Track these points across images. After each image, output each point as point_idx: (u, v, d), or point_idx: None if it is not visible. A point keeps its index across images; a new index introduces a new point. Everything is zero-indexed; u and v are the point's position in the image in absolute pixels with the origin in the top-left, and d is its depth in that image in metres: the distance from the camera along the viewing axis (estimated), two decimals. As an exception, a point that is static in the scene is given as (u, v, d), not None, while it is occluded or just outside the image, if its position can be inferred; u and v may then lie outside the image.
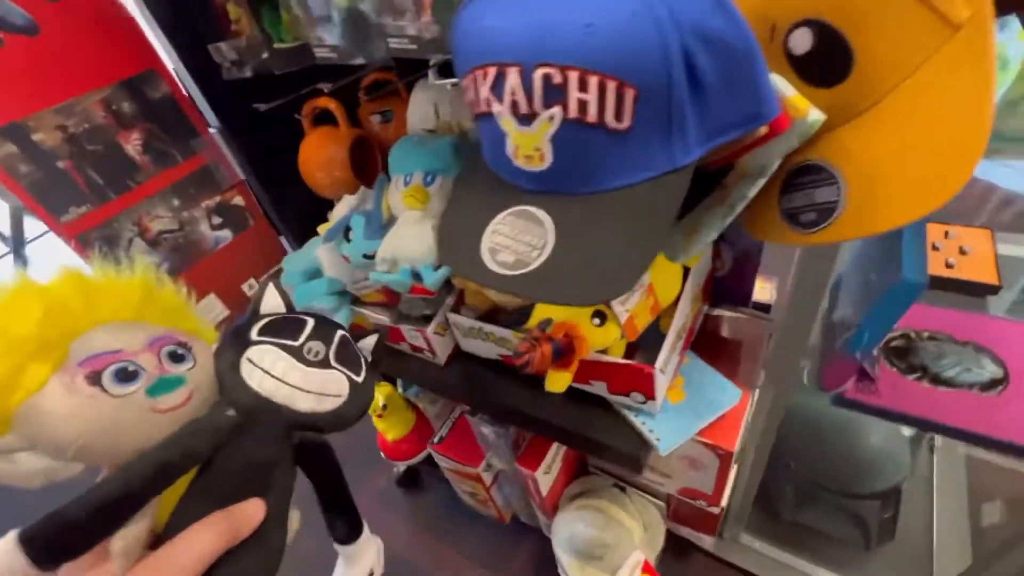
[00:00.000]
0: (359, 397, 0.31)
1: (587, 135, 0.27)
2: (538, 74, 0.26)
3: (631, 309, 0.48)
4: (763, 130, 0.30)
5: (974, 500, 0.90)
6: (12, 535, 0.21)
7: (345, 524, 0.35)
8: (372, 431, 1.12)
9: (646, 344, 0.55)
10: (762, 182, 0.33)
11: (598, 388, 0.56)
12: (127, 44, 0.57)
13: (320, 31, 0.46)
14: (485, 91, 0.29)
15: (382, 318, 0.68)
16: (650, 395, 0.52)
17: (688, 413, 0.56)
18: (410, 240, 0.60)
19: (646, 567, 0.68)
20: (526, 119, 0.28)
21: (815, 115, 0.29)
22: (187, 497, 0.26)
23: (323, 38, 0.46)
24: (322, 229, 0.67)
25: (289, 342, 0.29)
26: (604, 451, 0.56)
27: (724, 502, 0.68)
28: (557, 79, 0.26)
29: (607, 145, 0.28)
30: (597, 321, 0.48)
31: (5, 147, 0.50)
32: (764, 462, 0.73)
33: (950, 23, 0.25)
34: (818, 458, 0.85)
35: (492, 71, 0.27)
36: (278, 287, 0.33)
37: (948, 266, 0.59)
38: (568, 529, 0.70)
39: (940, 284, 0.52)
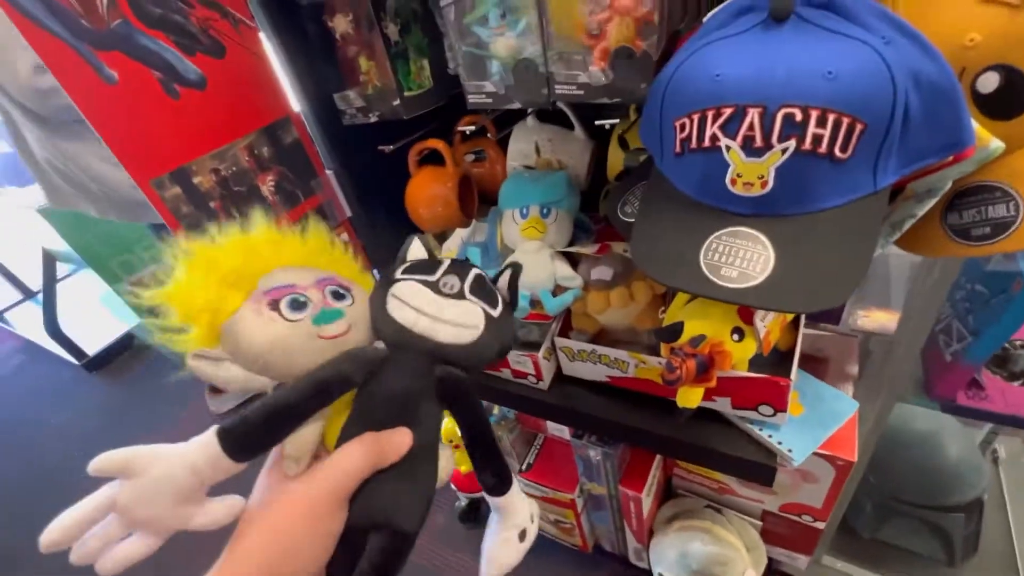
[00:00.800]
0: (496, 330, 0.33)
1: (812, 164, 0.32)
2: (781, 113, 0.30)
3: (768, 324, 0.52)
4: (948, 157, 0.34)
5: (1048, 511, 0.92)
6: (213, 429, 0.27)
7: (493, 472, 0.35)
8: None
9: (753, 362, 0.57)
10: (931, 202, 0.37)
11: (720, 404, 0.59)
12: (270, 94, 0.62)
13: (478, 79, 0.51)
14: (714, 128, 0.33)
15: (490, 345, 0.70)
16: (781, 407, 0.55)
17: (812, 424, 0.58)
18: (530, 268, 0.64)
19: (758, 586, 0.69)
20: (757, 151, 0.32)
21: (996, 144, 0.33)
22: (347, 423, 0.30)
23: (483, 87, 0.51)
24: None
25: (427, 277, 0.33)
26: (733, 465, 0.58)
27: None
28: (798, 117, 0.30)
29: (826, 172, 0.32)
30: (736, 337, 0.51)
31: (173, 189, 0.54)
32: (859, 477, 0.75)
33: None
34: (897, 472, 0.87)
35: (728, 111, 0.32)
36: (423, 241, 0.36)
37: None
38: (678, 549, 0.71)
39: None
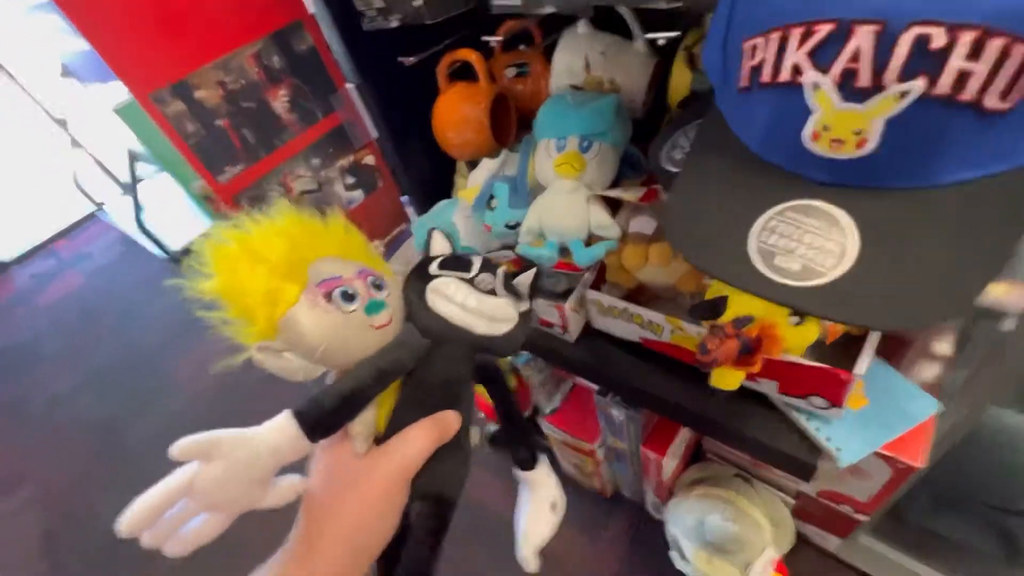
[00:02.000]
0: (523, 324, 0.36)
1: (946, 117, 0.21)
2: (908, 35, 0.20)
3: (839, 309, 0.42)
4: None
5: None
6: (288, 411, 0.29)
7: (524, 446, 0.38)
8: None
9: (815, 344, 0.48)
10: None
11: (765, 386, 0.51)
12: (278, -8, 0.54)
13: (505, -25, 0.40)
14: (798, 54, 0.23)
15: (515, 290, 0.65)
16: (837, 402, 0.47)
17: (874, 422, 0.49)
18: (562, 212, 0.56)
19: (778, 567, 0.65)
20: (859, 94, 0.22)
21: None
22: (399, 407, 0.33)
23: (509, -17, 0.40)
24: (465, 194, 0.64)
25: (464, 274, 0.35)
26: (767, 454, 0.52)
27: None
28: (938, 42, 0.19)
29: (967, 130, 0.21)
30: (795, 320, 0.42)
31: (175, 105, 0.50)
32: (923, 474, 0.66)
33: None
34: (970, 468, 0.77)
35: (825, 29, 0.21)
36: (440, 233, 0.39)
37: None
38: (696, 517, 0.68)
39: None
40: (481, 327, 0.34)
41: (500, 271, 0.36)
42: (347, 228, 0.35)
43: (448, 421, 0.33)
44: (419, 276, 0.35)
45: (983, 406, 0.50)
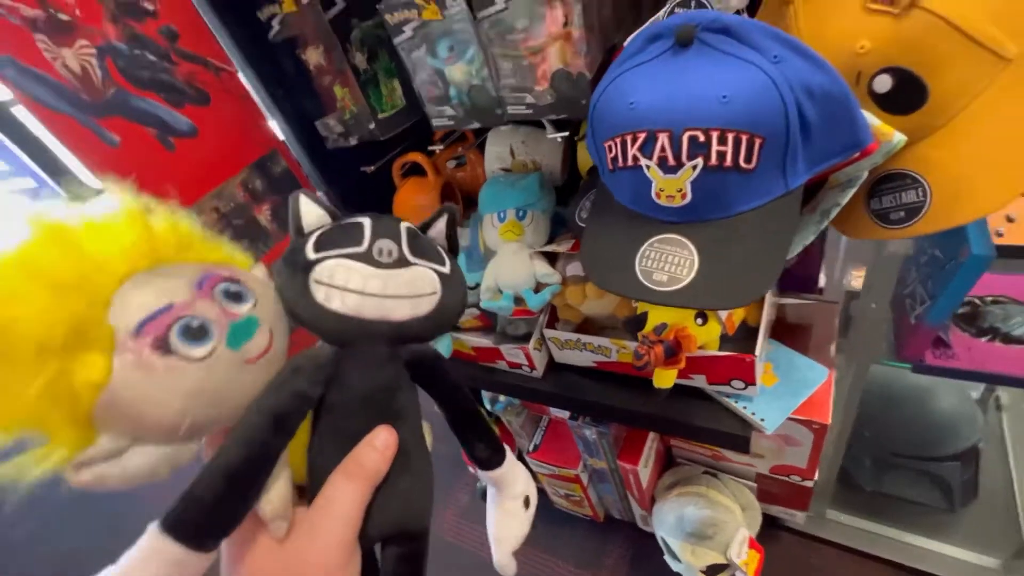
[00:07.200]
0: (453, 288, 0.28)
1: (722, 176, 0.35)
2: (686, 136, 0.34)
3: (729, 307, 0.56)
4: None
5: (1050, 453, 0.94)
6: (153, 527, 0.20)
7: (484, 444, 0.31)
8: (454, 449, 1.20)
9: (726, 340, 0.61)
10: (852, 191, 0.40)
11: (697, 381, 0.63)
12: (256, 131, 0.67)
13: (440, 105, 0.55)
14: (634, 150, 0.37)
15: (483, 341, 0.76)
16: (750, 381, 0.59)
17: (784, 393, 0.62)
18: (511, 269, 0.69)
19: (752, 543, 0.74)
20: (672, 169, 0.36)
21: (899, 137, 0.36)
22: (319, 446, 0.26)
23: (444, 111, 0.55)
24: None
25: (354, 249, 0.25)
26: (710, 436, 0.63)
27: (817, 475, 0.73)
28: (701, 138, 0.34)
29: (737, 181, 0.35)
30: (700, 321, 0.55)
31: (180, 232, 0.60)
32: (846, 435, 0.78)
33: (1003, 58, 0.32)
34: (892, 427, 0.90)
35: (643, 135, 0.35)
36: (308, 195, 0.28)
37: (998, 235, 0.65)
38: (675, 514, 0.76)
39: (1000, 252, 0.58)
40: (398, 312, 0.25)
41: (403, 228, 0.28)
42: (143, 217, 0.22)
43: (379, 447, 0.25)
44: (294, 265, 0.26)
45: (865, 365, 0.64)
